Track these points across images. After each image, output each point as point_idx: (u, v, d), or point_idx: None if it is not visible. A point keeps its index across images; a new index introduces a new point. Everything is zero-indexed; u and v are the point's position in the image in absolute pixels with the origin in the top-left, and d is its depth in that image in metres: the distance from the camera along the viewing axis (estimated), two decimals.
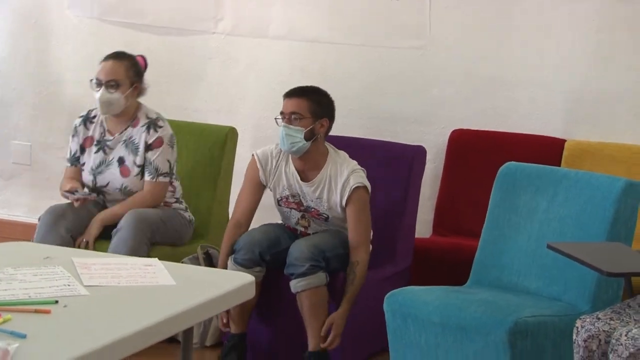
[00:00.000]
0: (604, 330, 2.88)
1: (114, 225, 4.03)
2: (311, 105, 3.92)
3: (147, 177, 4.10)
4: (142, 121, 4.13)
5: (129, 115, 4.13)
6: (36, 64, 5.35)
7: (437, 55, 4.73)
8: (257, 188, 4.04)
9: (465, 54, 4.70)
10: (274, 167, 4.01)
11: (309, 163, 3.96)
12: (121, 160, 4.13)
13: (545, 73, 4.61)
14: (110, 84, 4.05)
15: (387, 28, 4.78)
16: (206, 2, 5.03)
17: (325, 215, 3.97)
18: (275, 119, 3.97)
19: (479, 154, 4.58)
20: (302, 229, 4.04)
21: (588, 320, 2.93)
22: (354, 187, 3.88)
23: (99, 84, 4.07)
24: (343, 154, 4.00)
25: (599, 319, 2.93)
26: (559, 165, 4.39)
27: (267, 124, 5.00)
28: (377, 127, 4.75)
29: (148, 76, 5.01)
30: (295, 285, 3.83)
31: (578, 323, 2.95)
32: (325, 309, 3.85)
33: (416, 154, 4.30)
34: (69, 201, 4.10)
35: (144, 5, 5.13)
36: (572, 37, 4.55)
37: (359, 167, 3.95)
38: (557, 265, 3.52)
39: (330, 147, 4.02)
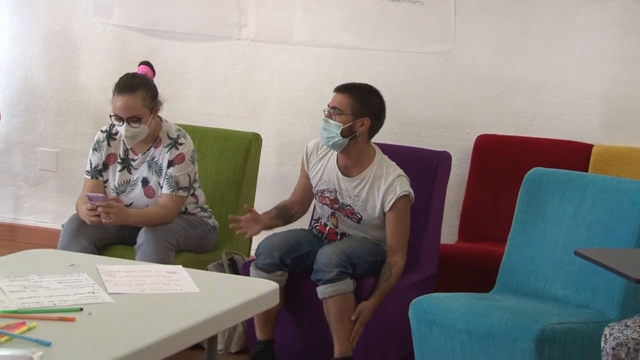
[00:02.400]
0: (632, 338, 2.85)
1: (134, 237, 4.01)
2: (353, 102, 3.90)
3: (166, 190, 4.04)
4: (165, 142, 4.07)
5: (152, 136, 4.08)
6: (61, 71, 5.37)
7: (462, 60, 4.71)
8: (305, 179, 4.08)
9: (490, 58, 4.67)
10: (318, 159, 4.02)
11: (351, 160, 3.96)
12: (145, 181, 4.10)
13: (572, 77, 4.57)
14: (132, 119, 3.97)
15: (412, 33, 4.76)
16: (229, 8, 5.03)
17: (359, 216, 3.96)
18: (323, 110, 3.96)
19: (504, 159, 4.54)
20: (332, 226, 4.03)
21: (616, 327, 2.90)
22: (400, 195, 3.88)
23: (120, 119, 3.99)
24: (390, 161, 3.99)
25: (627, 326, 2.90)
26: (586, 171, 4.35)
27: (291, 129, 5.00)
28: (402, 132, 4.74)
29: (172, 82, 5.03)
30: (322, 291, 3.82)
31: (606, 330, 2.92)
32: (352, 315, 3.83)
33: (441, 159, 4.27)
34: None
35: (167, 11, 5.13)
36: (599, 40, 4.51)
37: (404, 174, 3.94)
38: (585, 271, 3.48)
39: (378, 150, 4.01)
